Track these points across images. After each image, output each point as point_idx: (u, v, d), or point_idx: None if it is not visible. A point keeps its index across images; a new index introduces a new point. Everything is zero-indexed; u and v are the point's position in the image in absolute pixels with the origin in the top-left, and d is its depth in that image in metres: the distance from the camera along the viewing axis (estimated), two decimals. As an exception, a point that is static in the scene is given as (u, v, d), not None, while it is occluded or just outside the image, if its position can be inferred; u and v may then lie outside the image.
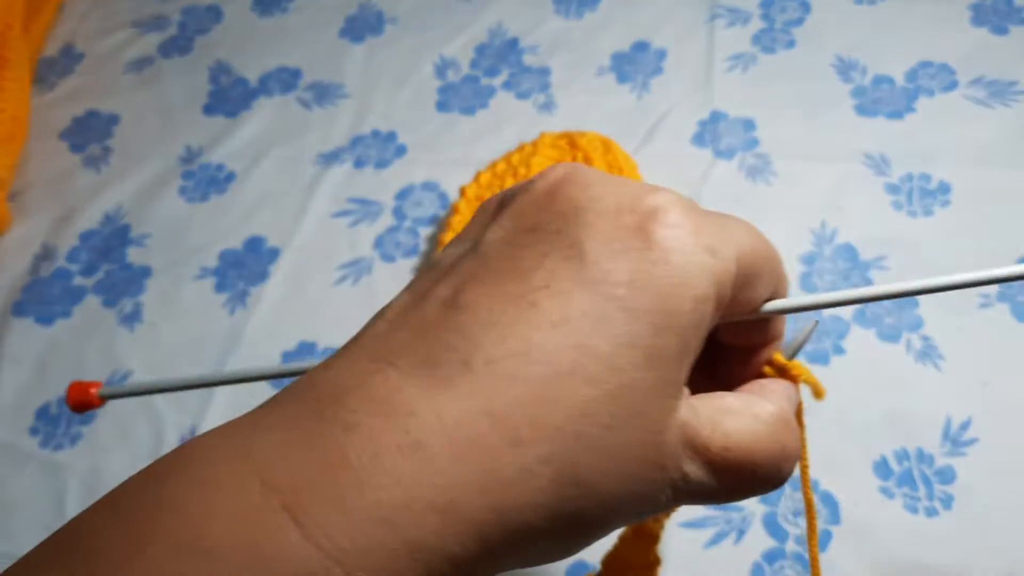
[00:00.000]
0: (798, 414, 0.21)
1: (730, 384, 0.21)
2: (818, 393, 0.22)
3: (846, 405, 0.45)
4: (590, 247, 0.16)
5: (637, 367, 0.16)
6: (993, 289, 0.48)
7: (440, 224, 0.56)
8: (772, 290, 0.19)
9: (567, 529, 0.17)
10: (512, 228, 0.18)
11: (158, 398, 0.51)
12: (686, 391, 0.18)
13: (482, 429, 0.15)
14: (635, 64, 0.63)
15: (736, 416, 0.18)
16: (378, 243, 0.57)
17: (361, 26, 0.70)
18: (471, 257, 0.18)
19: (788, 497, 0.43)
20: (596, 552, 0.43)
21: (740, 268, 0.18)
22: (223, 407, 0.50)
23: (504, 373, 0.16)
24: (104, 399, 0.22)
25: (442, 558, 0.15)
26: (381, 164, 0.61)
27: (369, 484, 0.14)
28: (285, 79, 0.67)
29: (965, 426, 0.43)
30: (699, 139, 0.58)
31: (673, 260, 0.16)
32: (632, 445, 0.16)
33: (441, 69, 0.66)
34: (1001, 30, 0.60)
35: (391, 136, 0.62)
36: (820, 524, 0.42)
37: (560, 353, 0.16)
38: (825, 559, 0.41)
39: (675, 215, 0.17)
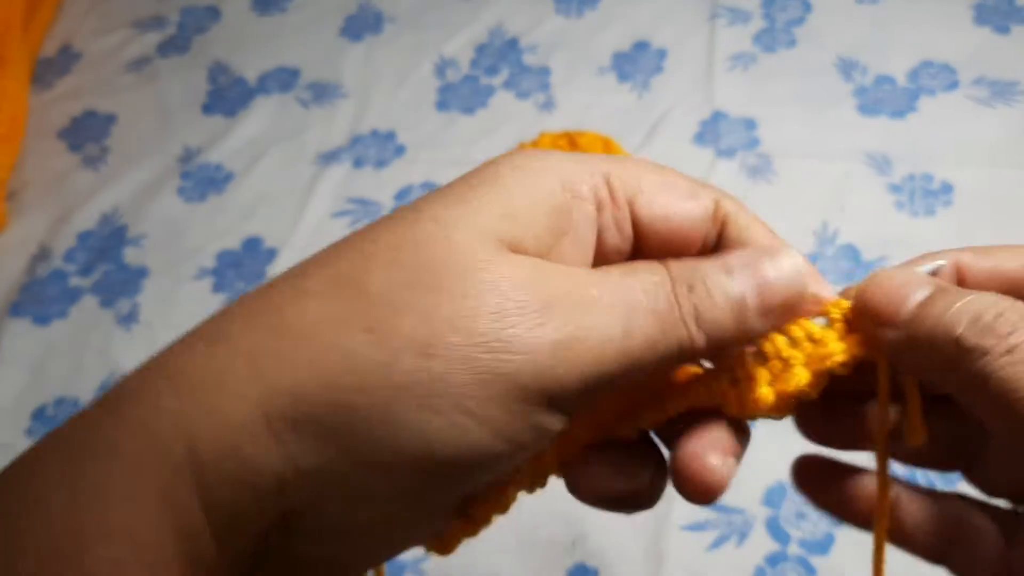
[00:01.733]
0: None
1: None
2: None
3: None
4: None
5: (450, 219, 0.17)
6: (996, 290, 0.48)
7: (439, 224, 0.56)
8: (688, 198, 0.19)
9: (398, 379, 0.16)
10: None
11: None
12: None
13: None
14: (635, 63, 0.63)
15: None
16: (377, 243, 0.56)
17: (360, 25, 0.69)
18: None
19: (790, 500, 0.43)
20: (599, 558, 0.43)
21: (611, 176, 0.19)
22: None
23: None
24: None
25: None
26: (380, 164, 0.61)
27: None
28: (284, 78, 0.67)
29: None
30: (700, 138, 0.58)
31: (497, 159, 0.18)
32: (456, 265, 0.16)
33: (441, 68, 0.65)
34: (1003, 29, 0.60)
35: (390, 136, 0.62)
36: (822, 527, 0.42)
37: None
38: (827, 561, 0.41)
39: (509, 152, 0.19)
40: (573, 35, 0.66)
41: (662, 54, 0.63)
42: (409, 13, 0.70)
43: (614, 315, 0.17)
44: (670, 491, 0.45)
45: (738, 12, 0.64)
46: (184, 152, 0.63)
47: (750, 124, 0.58)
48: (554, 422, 0.17)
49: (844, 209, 0.53)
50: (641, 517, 0.42)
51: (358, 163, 0.61)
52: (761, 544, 0.41)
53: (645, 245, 0.19)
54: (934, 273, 0.19)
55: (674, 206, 0.19)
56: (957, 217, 0.51)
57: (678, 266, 0.18)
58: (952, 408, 0.19)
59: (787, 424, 0.48)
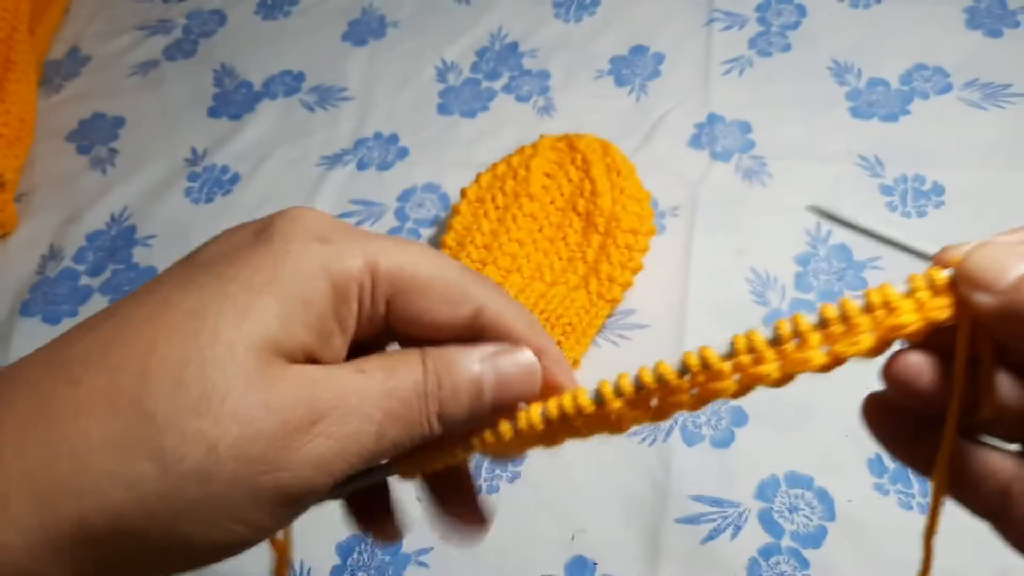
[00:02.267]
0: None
1: None
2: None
3: (840, 402, 0.45)
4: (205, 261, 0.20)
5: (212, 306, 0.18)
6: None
7: (441, 225, 0.57)
8: (445, 304, 0.20)
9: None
10: None
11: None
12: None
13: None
14: (633, 67, 0.64)
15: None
16: (380, 244, 0.57)
17: (363, 29, 0.70)
18: None
19: (783, 494, 0.43)
20: (597, 551, 0.44)
21: (378, 270, 0.19)
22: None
23: None
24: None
25: None
26: (383, 166, 0.62)
27: None
28: (288, 82, 0.68)
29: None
30: (696, 141, 0.58)
31: (274, 244, 0.19)
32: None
33: (442, 72, 0.66)
34: (995, 33, 0.61)
35: (393, 138, 0.63)
36: (814, 520, 0.43)
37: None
38: (819, 556, 0.42)
39: (288, 215, 0.20)
40: (572, 39, 0.67)
41: (659, 58, 0.64)
42: (411, 18, 0.70)
43: (371, 423, 0.19)
44: (668, 486, 0.46)
45: (734, 16, 0.65)
46: (191, 154, 0.64)
47: (745, 127, 0.59)
48: (305, 508, 0.19)
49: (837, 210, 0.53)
50: (638, 511, 0.43)
51: (362, 165, 0.62)
52: (755, 537, 0.42)
53: (396, 329, 0.21)
54: None
55: (431, 313, 0.20)
56: (949, 218, 0.52)
57: (434, 360, 0.20)
58: None
59: (780, 420, 0.49)
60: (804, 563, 0.42)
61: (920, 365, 0.19)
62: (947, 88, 0.58)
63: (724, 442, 0.45)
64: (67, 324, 0.56)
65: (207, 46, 0.71)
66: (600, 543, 0.43)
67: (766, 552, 0.42)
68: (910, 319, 0.19)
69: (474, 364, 0.20)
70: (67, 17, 0.75)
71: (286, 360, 0.18)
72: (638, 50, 0.65)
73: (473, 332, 0.21)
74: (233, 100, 0.67)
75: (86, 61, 0.72)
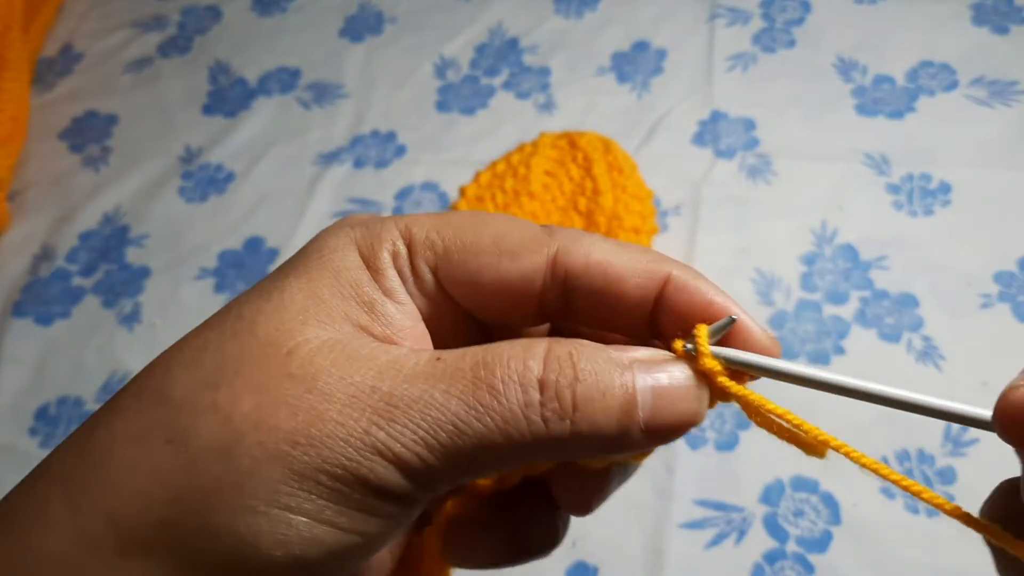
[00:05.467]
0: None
1: None
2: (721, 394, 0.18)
3: (846, 405, 0.44)
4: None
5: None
6: (994, 289, 0.48)
7: (440, 224, 0.56)
8: (504, 258, 0.18)
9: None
10: None
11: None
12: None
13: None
14: (635, 64, 0.63)
15: None
16: (378, 243, 0.56)
17: (361, 26, 0.69)
18: None
19: (789, 498, 0.43)
20: (598, 557, 0.43)
21: (411, 237, 0.18)
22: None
23: None
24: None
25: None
26: (381, 164, 0.61)
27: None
28: (284, 79, 0.67)
29: (966, 427, 0.43)
30: (699, 139, 0.58)
31: (307, 249, 0.18)
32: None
33: (441, 69, 0.66)
34: (1002, 29, 0.60)
35: (391, 136, 0.62)
36: (820, 524, 0.42)
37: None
38: (825, 560, 0.41)
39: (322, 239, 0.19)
40: (573, 35, 0.66)
41: (662, 55, 0.63)
42: (409, 13, 0.70)
43: (443, 412, 0.15)
44: (671, 489, 0.46)
45: (737, 12, 0.64)
46: (185, 152, 0.64)
47: (749, 124, 0.58)
48: (397, 508, 0.16)
49: (843, 209, 0.53)
50: (641, 516, 0.43)
51: (359, 163, 0.61)
52: (759, 542, 0.42)
53: (468, 305, 0.18)
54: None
55: (487, 272, 0.17)
56: (955, 217, 0.52)
57: (570, 348, 0.16)
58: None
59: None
60: (809, 568, 0.41)
61: None
62: (953, 85, 0.58)
63: (728, 445, 0.44)
64: (59, 325, 0.55)
65: (202, 43, 0.71)
66: (601, 548, 0.42)
67: (771, 557, 0.41)
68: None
69: (624, 368, 0.16)
70: (60, 14, 0.74)
71: (324, 335, 0.16)
72: (640, 46, 0.64)
73: (556, 287, 0.18)
74: (228, 97, 0.66)
75: (79, 58, 0.71)
